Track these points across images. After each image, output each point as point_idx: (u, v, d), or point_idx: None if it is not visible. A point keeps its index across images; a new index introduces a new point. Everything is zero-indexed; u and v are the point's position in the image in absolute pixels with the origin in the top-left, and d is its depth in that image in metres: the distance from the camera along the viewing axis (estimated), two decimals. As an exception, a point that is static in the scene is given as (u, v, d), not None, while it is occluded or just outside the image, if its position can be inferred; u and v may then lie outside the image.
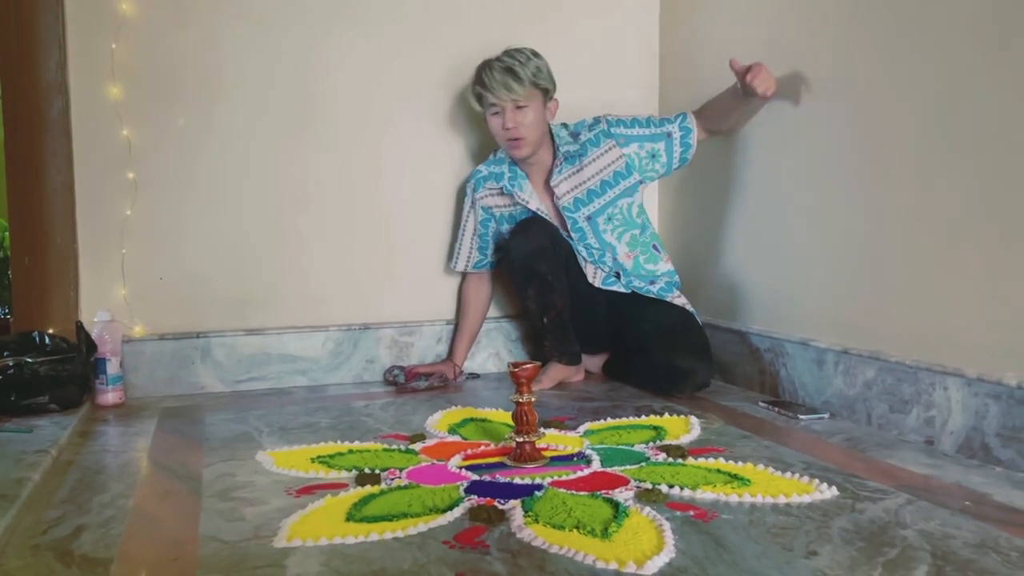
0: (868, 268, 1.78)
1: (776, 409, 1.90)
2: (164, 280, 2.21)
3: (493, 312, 2.46)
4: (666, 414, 1.86)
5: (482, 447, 1.62)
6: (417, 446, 1.64)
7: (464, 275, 2.41)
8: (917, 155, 1.65)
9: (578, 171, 2.20)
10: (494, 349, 2.47)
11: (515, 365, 1.51)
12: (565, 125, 2.24)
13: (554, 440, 1.66)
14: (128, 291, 2.17)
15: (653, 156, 2.19)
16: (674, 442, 1.64)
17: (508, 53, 2.16)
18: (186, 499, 1.36)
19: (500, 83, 2.10)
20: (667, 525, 1.18)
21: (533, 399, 1.51)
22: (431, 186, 2.41)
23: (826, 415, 1.84)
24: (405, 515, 1.24)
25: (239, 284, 2.26)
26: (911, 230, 1.67)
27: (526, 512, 1.24)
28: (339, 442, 1.67)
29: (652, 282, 2.23)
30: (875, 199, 1.76)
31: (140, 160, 2.17)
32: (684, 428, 1.74)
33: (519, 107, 2.12)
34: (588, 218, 2.21)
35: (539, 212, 2.22)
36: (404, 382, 2.22)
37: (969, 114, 1.53)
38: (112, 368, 2.06)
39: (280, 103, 2.27)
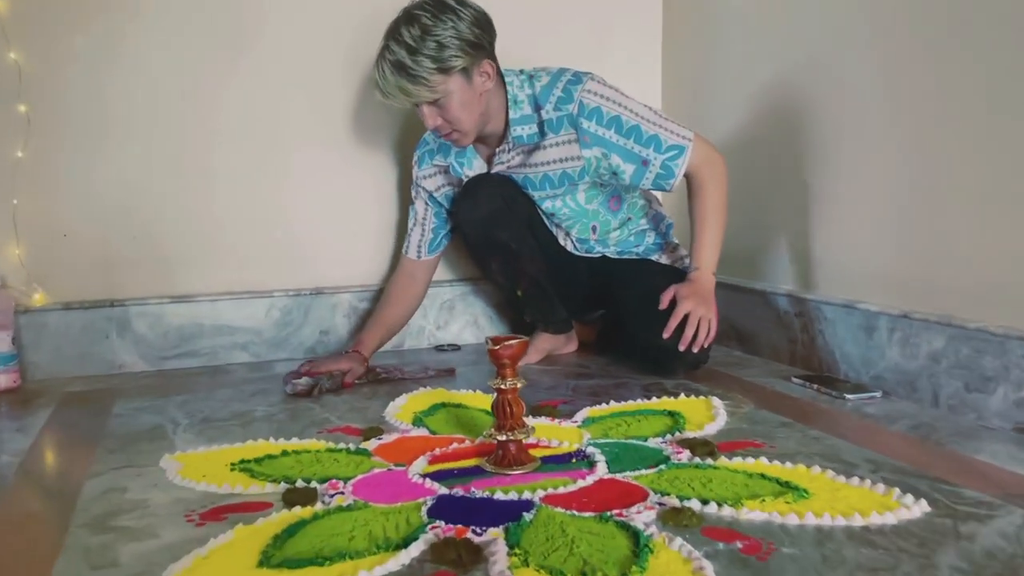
0: (932, 211, 1.43)
1: (815, 386, 1.56)
2: (69, 237, 1.82)
3: (470, 274, 2.10)
4: (682, 394, 1.51)
5: (454, 445, 1.27)
6: (371, 444, 1.28)
7: (401, 263, 1.90)
8: (989, 72, 1.28)
9: (526, 153, 1.71)
10: (472, 316, 2.11)
11: (495, 341, 1.15)
12: (531, 78, 1.68)
13: (546, 432, 1.30)
14: (23, 250, 1.79)
15: (614, 173, 1.68)
16: (697, 434, 1.30)
17: (394, 36, 1.55)
18: (49, 528, 1.01)
19: (394, 87, 1.56)
20: (709, 567, 0.84)
21: (519, 384, 1.16)
22: (397, 125, 2.02)
23: (877, 394, 1.50)
24: (342, 555, 0.89)
25: (163, 241, 1.88)
26: (987, 160, 1.31)
27: (512, 547, 0.90)
28: (272, 439, 1.31)
29: (636, 244, 1.87)
30: (939, 122, 1.40)
31: (33, 89, 1.76)
32: (706, 413, 1.40)
33: (433, 103, 1.60)
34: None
35: None
36: (302, 384, 1.61)
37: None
38: (2, 346, 1.69)
39: (205, 18, 1.86)
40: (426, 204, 1.86)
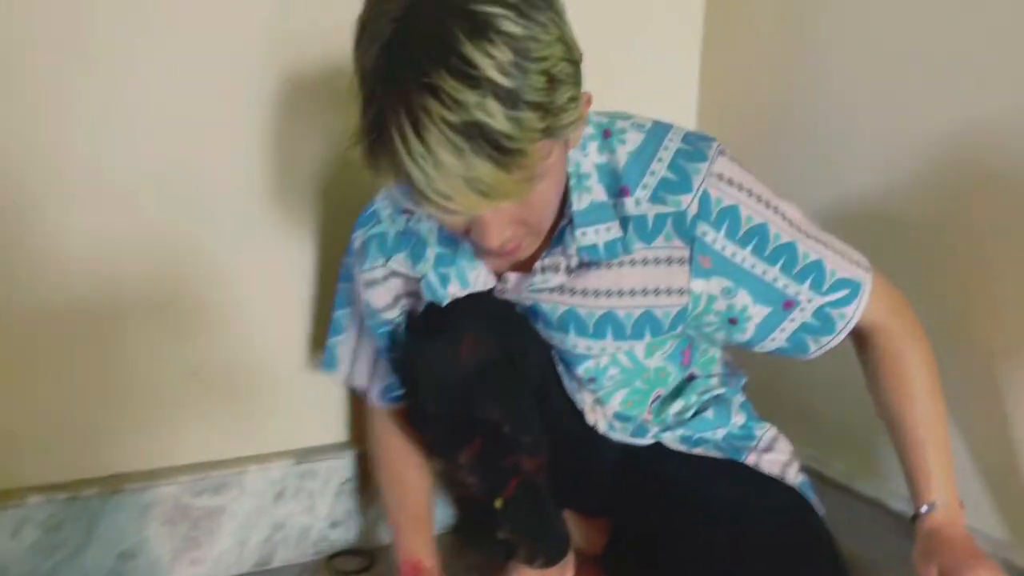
0: None
1: None
2: None
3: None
4: None
5: None
6: None
7: (372, 411, 1.13)
8: None
9: (578, 270, 0.93)
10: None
11: None
12: (606, 132, 0.89)
13: None
14: None
15: (731, 322, 0.93)
16: None
17: (441, 60, 0.67)
18: None
19: (459, 179, 0.70)
20: None
21: None
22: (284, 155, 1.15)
23: None
24: None
25: None
26: None
27: None
28: None
29: (716, 424, 1.08)
30: None
31: None
32: None
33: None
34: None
35: None
36: None
37: None
38: None
39: None
40: (364, 324, 1.07)
